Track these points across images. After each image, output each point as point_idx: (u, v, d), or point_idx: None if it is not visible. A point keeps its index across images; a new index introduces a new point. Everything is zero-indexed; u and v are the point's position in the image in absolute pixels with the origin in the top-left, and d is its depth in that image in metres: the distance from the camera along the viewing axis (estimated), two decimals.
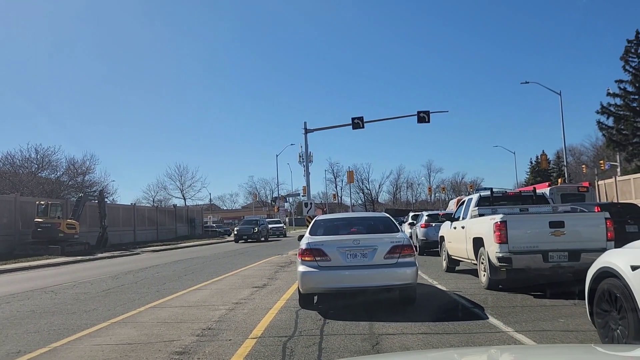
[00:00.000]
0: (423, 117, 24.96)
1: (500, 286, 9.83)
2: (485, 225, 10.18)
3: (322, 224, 9.25)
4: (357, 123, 25.53)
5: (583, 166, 60.25)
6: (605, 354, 2.24)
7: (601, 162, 52.00)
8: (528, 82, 40.79)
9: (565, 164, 42.17)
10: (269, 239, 43.18)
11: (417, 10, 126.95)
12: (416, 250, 10.27)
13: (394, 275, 7.74)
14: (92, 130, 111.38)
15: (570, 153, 73.26)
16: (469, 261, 11.55)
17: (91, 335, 6.90)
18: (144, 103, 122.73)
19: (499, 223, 9.40)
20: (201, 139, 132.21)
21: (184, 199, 77.99)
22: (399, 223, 10.00)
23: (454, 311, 8.02)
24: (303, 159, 28.01)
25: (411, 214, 27.36)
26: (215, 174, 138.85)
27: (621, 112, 38.19)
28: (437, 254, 15.27)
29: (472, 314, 7.69)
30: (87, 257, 25.57)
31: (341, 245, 7.93)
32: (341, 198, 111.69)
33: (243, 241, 39.23)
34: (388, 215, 9.86)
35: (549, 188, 20.37)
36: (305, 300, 8.37)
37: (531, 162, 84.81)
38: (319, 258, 7.85)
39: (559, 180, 42.64)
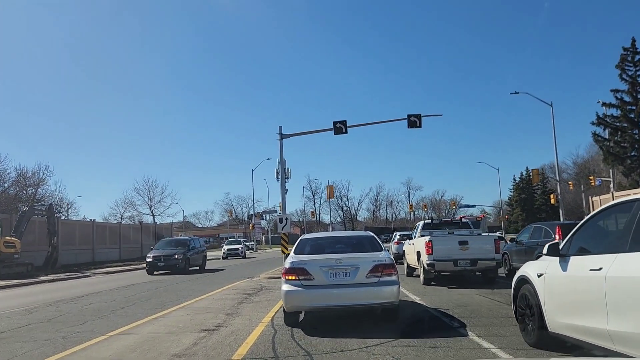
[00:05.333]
0: (414, 122, 22.08)
1: (432, 283, 14.32)
2: (422, 243, 14.56)
3: (307, 243, 9.20)
4: (340, 127, 22.50)
5: (569, 183, 58.27)
6: None
7: (591, 177, 50.12)
8: (518, 93, 38.86)
9: (557, 179, 39.86)
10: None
11: (400, 20, 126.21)
12: None
13: (375, 294, 7.82)
14: (55, 144, 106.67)
15: (551, 170, 71.57)
16: (417, 267, 15.69)
17: None
18: (113, 116, 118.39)
19: (428, 241, 13.99)
20: (176, 155, 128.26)
21: (153, 216, 73.61)
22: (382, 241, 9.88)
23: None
24: (280, 173, 24.83)
25: (397, 233, 29.34)
26: (190, 191, 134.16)
27: (618, 124, 36.09)
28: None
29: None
30: (26, 281, 21.92)
31: (324, 264, 7.99)
32: (319, 216, 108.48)
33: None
34: (372, 234, 9.81)
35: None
36: (291, 318, 8.31)
37: (514, 179, 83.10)
38: (302, 277, 7.92)
39: (552, 196, 40.20)
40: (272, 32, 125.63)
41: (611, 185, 41.82)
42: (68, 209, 52.48)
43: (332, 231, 54.89)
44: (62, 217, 46.19)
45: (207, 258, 40.81)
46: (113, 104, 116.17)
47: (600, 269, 4.53)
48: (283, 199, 24.24)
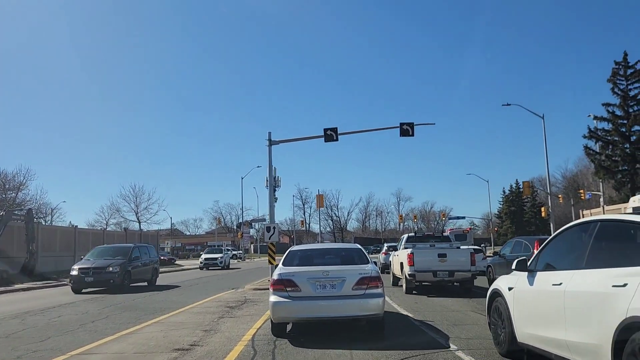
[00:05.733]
0: (407, 130, 21.54)
1: (414, 292, 15.19)
2: (404, 254, 15.65)
3: (296, 255, 9.28)
4: (330, 135, 21.91)
5: (559, 196, 58.11)
6: None
7: (581, 191, 50.01)
8: (510, 105, 38.49)
9: (548, 191, 39.52)
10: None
11: (392, 30, 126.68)
12: None
13: (361, 306, 7.87)
14: (40, 149, 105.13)
15: (541, 183, 71.40)
16: (401, 277, 16.54)
17: None
18: (100, 122, 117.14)
19: (409, 253, 15.04)
20: (164, 162, 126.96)
21: (139, 222, 72.30)
22: (369, 252, 8.91)
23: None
24: (269, 181, 24.08)
25: (385, 244, 32.07)
26: (179, 198, 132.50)
27: (609, 138, 35.85)
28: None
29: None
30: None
31: (311, 276, 8.05)
32: (309, 225, 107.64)
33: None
34: (360, 246, 9.87)
35: (449, 232, 30.17)
36: (278, 328, 8.40)
37: (504, 192, 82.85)
38: (289, 288, 7.99)
39: (543, 209, 39.88)
40: (261, 39, 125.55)
41: (601, 200, 41.68)
42: (52, 214, 51.11)
43: (321, 242, 54.26)
44: (44, 223, 44.93)
45: (188, 267, 39.55)
46: (99, 110, 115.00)
47: (561, 284, 4.88)
48: (271, 206, 23.49)
